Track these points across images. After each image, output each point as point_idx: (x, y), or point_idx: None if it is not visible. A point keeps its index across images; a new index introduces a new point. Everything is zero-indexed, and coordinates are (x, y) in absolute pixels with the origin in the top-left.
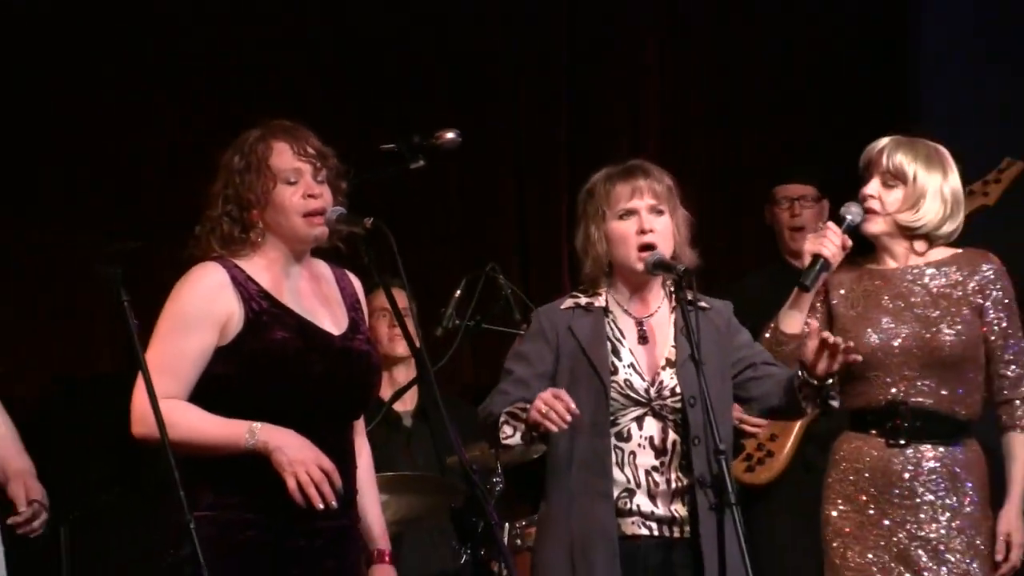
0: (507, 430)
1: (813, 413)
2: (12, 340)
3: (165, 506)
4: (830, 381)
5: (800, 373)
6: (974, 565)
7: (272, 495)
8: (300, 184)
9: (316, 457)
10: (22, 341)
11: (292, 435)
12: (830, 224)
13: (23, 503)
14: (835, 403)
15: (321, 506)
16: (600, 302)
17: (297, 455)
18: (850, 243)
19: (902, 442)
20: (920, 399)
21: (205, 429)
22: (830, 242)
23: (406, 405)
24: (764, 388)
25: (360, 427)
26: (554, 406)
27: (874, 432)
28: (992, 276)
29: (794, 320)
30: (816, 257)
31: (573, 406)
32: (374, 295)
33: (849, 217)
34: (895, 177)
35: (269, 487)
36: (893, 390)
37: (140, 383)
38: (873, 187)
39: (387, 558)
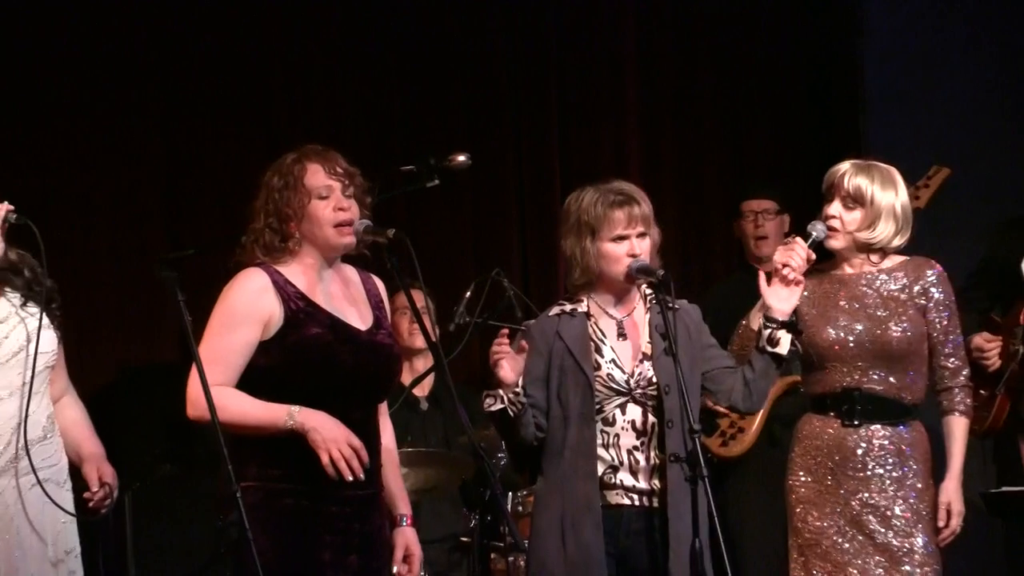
0: (488, 401)
1: (767, 404)
2: (87, 335)
3: (215, 478)
4: (794, 318)
5: (765, 325)
6: (918, 527)
7: (308, 468)
8: (331, 199)
9: (346, 436)
10: (96, 336)
11: (325, 417)
12: (797, 239)
13: (95, 484)
14: (797, 345)
15: (351, 478)
16: (583, 308)
17: (330, 434)
18: (814, 256)
19: (856, 423)
20: (871, 386)
21: (250, 412)
22: (797, 255)
23: (423, 391)
24: (728, 383)
25: (383, 409)
26: (504, 353)
27: (832, 414)
28: (934, 281)
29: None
30: (784, 267)
31: (519, 355)
32: (397, 295)
33: (815, 233)
34: (855, 200)
35: (306, 462)
36: (848, 378)
37: (194, 372)
38: (835, 208)
39: (408, 521)
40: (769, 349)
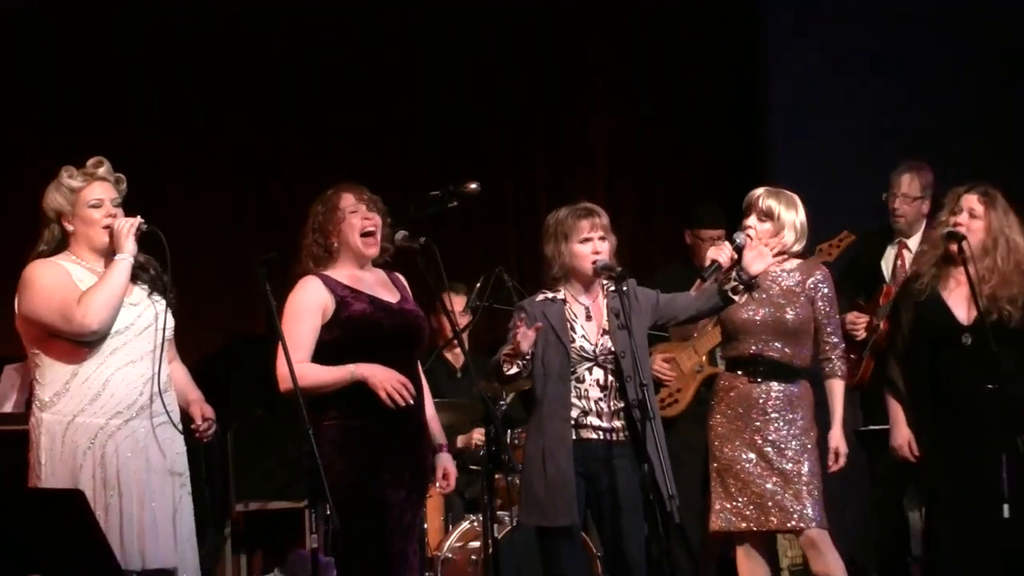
0: (507, 367)
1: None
2: (201, 314)
3: (295, 420)
4: (755, 280)
5: (736, 276)
6: (804, 456)
7: (371, 408)
8: (358, 213)
9: (395, 375)
10: (207, 314)
11: (377, 366)
12: (725, 243)
13: (200, 419)
14: (747, 289)
15: (403, 404)
16: (560, 296)
17: (383, 376)
18: (736, 256)
19: (759, 380)
20: (771, 354)
21: (323, 377)
22: (724, 253)
23: (457, 361)
24: (681, 304)
25: (419, 366)
26: (521, 336)
27: (740, 373)
28: (820, 279)
29: None
30: (714, 262)
31: (527, 340)
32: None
33: (737, 240)
34: (766, 216)
35: (369, 404)
36: (754, 347)
37: (280, 355)
38: (752, 221)
39: (445, 449)
40: (729, 295)
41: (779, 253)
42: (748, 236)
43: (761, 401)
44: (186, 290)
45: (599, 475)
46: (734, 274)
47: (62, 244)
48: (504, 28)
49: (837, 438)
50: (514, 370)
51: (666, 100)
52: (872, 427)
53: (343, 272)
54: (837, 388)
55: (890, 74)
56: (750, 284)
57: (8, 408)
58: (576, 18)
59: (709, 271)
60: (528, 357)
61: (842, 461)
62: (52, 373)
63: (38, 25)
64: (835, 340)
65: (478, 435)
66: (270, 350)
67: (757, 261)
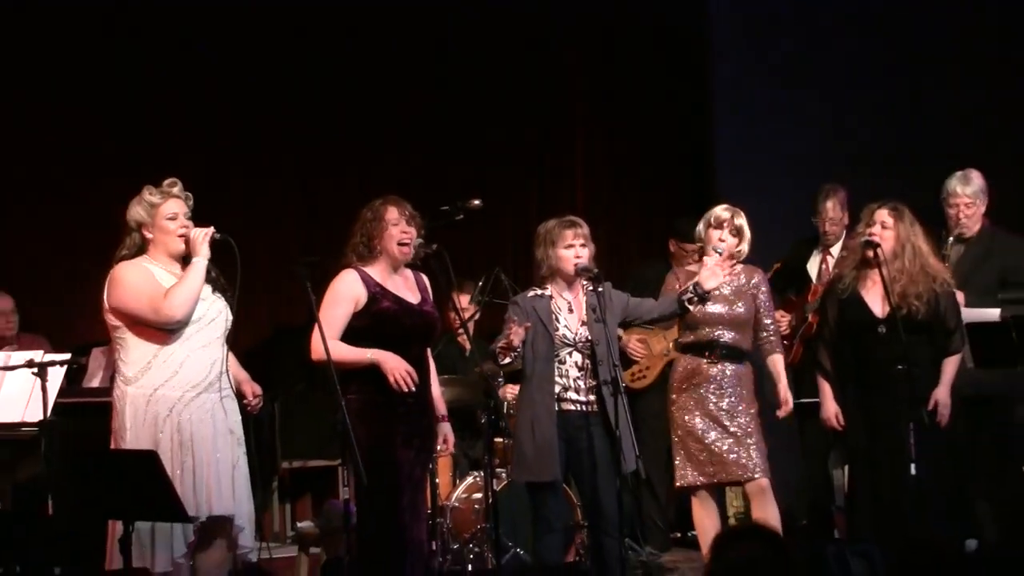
0: (502, 357)
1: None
2: (252, 306)
3: (329, 393)
4: (708, 294)
5: (693, 290)
6: (751, 421)
7: (385, 385)
8: (399, 226)
9: (404, 365)
10: (257, 307)
11: (391, 355)
12: (706, 260)
13: (250, 395)
14: (700, 301)
15: (406, 390)
16: (547, 292)
17: (393, 364)
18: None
19: (716, 361)
20: (726, 340)
21: (347, 355)
22: (718, 271)
23: (465, 345)
24: (646, 307)
25: (428, 351)
26: (513, 333)
27: (695, 354)
28: (760, 280)
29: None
30: (697, 285)
31: (517, 336)
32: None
33: (717, 252)
34: (737, 233)
35: (383, 381)
36: (711, 334)
37: (316, 332)
38: (725, 235)
39: (446, 419)
40: (686, 304)
41: (732, 259)
42: (718, 252)
43: (718, 378)
44: (242, 288)
45: (577, 439)
46: (691, 288)
47: (141, 249)
48: (507, 75)
49: (784, 391)
50: (508, 360)
51: (635, 130)
52: (802, 400)
53: (378, 269)
54: (779, 360)
55: (815, 112)
56: (703, 297)
57: (96, 383)
58: (562, 64)
59: (693, 299)
60: (519, 349)
61: (789, 407)
62: (136, 354)
63: (105, 59)
64: (773, 327)
65: (511, 391)
66: (308, 337)
67: (711, 279)
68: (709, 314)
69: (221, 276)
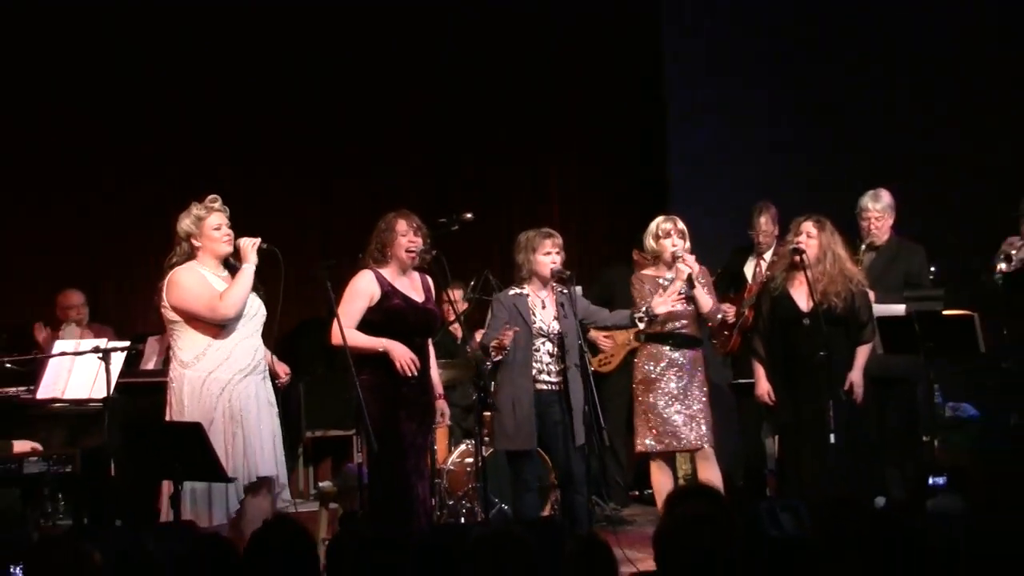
0: (494, 354)
1: (635, 329)
2: (283, 304)
3: (346, 374)
4: (656, 316)
5: (646, 312)
6: (702, 398)
7: (392, 369)
8: (407, 236)
9: (409, 353)
10: (287, 303)
11: (398, 344)
12: (688, 263)
13: (282, 375)
14: (649, 322)
15: (409, 375)
16: (525, 291)
17: (399, 352)
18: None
19: (677, 348)
20: (684, 331)
21: (361, 342)
22: (667, 306)
23: (458, 334)
24: (601, 316)
25: (429, 341)
26: (504, 337)
27: (659, 342)
28: (703, 276)
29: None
30: (649, 309)
31: (507, 339)
32: (451, 289)
33: (678, 254)
34: (683, 235)
35: (391, 366)
36: (672, 326)
37: (335, 323)
38: (677, 241)
39: (442, 397)
40: (636, 321)
41: (682, 297)
42: (683, 257)
43: (679, 362)
44: (271, 287)
45: (549, 414)
46: (644, 310)
47: (190, 256)
48: (490, 105)
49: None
50: (499, 357)
51: (602, 158)
52: (740, 381)
53: (390, 271)
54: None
55: (753, 143)
56: (652, 319)
57: (150, 366)
58: (539, 101)
59: (643, 314)
60: (507, 350)
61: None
62: (192, 343)
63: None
64: (719, 314)
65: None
66: (327, 328)
67: (662, 307)
68: (674, 311)
69: (258, 283)
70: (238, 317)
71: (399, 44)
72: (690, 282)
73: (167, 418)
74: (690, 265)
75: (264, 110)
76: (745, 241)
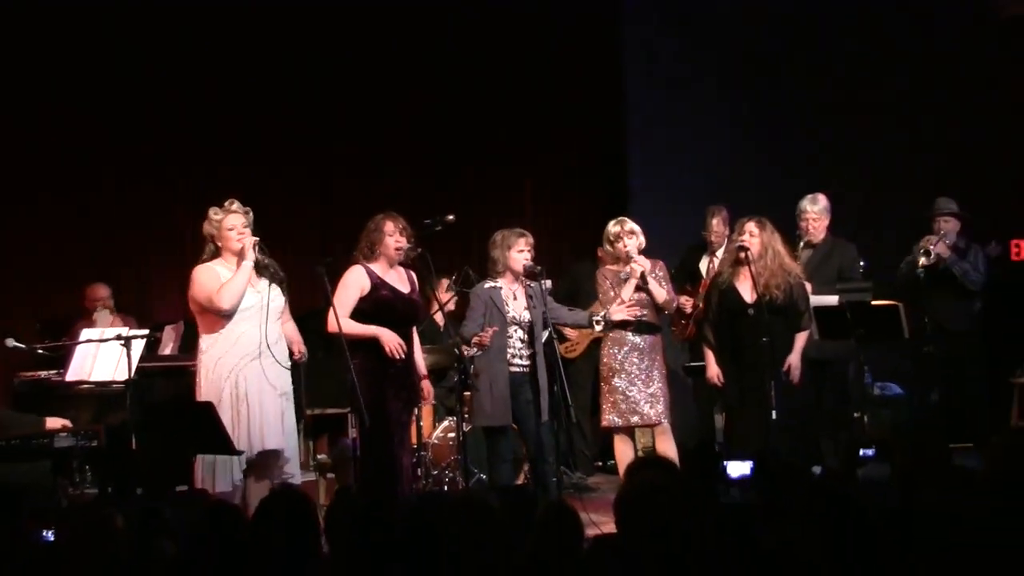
0: (476, 349)
1: (595, 326)
2: (292, 296)
3: (341, 359)
4: (612, 322)
5: (603, 318)
6: (660, 379)
7: (382, 353)
8: (394, 236)
9: (397, 339)
10: (294, 296)
11: (387, 331)
12: (639, 263)
13: (296, 352)
14: (606, 327)
15: (397, 357)
16: (499, 284)
17: (388, 338)
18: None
19: (638, 333)
20: (645, 319)
21: (355, 329)
22: (622, 314)
23: (441, 323)
24: (561, 313)
25: (414, 329)
26: (484, 337)
27: (622, 329)
28: (661, 268)
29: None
30: (605, 315)
31: (487, 337)
32: (438, 283)
33: (632, 256)
34: (633, 232)
35: (381, 351)
36: (637, 315)
37: (331, 312)
38: (631, 243)
39: (426, 377)
40: (594, 324)
41: (639, 306)
42: (635, 258)
43: (641, 346)
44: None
45: (520, 393)
46: (602, 315)
47: (215, 254)
48: (478, 120)
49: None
50: (479, 352)
51: (569, 163)
52: (694, 364)
53: (379, 266)
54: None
55: (705, 153)
56: (608, 325)
57: (167, 352)
58: (515, 116)
59: (600, 318)
60: (488, 345)
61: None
62: (207, 331)
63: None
64: (674, 303)
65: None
66: (325, 316)
67: (618, 314)
68: (633, 300)
69: (279, 270)
70: (236, 309)
71: (389, 50)
72: (643, 279)
73: (197, 398)
74: (641, 264)
75: (265, 109)
76: (700, 240)
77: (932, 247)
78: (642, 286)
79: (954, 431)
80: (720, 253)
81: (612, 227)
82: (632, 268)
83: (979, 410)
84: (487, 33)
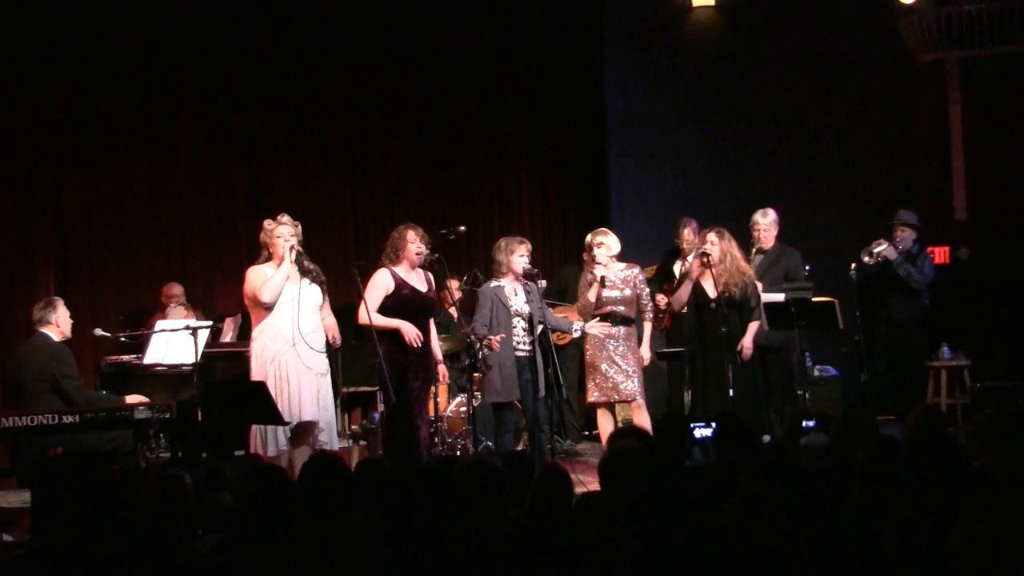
0: (486, 351)
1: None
2: (331, 294)
3: (371, 346)
4: (585, 332)
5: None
6: (635, 362)
7: (403, 342)
8: (415, 244)
9: (415, 330)
10: (333, 293)
11: (407, 323)
12: (594, 273)
13: (330, 338)
14: (580, 333)
15: (416, 346)
16: (503, 283)
17: (407, 329)
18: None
19: (616, 325)
20: (620, 312)
21: (381, 322)
22: (595, 330)
23: (454, 315)
24: (547, 316)
25: (431, 321)
26: (494, 342)
27: (606, 321)
28: (637, 273)
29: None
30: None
31: (495, 343)
32: (449, 282)
33: (600, 262)
34: (601, 243)
35: (403, 340)
36: (613, 309)
37: (362, 306)
38: (597, 250)
39: (441, 362)
40: (573, 332)
41: (612, 259)
42: (601, 263)
43: (620, 335)
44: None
45: (522, 374)
46: (580, 326)
47: (268, 258)
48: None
49: (646, 348)
50: (489, 352)
51: (559, 180)
52: (668, 350)
53: (401, 269)
54: (648, 327)
55: (677, 172)
56: (583, 335)
57: (227, 340)
58: (512, 138)
59: (577, 327)
60: (497, 350)
61: (647, 362)
62: (256, 321)
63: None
64: (649, 305)
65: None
66: (357, 310)
67: (593, 329)
68: (610, 297)
69: (320, 273)
70: (276, 303)
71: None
72: (603, 282)
73: (250, 378)
74: (596, 273)
75: (311, 143)
76: (674, 247)
77: (876, 249)
78: (603, 285)
79: (881, 405)
80: (690, 258)
81: (588, 238)
82: (593, 274)
83: (906, 389)
84: (489, 84)
